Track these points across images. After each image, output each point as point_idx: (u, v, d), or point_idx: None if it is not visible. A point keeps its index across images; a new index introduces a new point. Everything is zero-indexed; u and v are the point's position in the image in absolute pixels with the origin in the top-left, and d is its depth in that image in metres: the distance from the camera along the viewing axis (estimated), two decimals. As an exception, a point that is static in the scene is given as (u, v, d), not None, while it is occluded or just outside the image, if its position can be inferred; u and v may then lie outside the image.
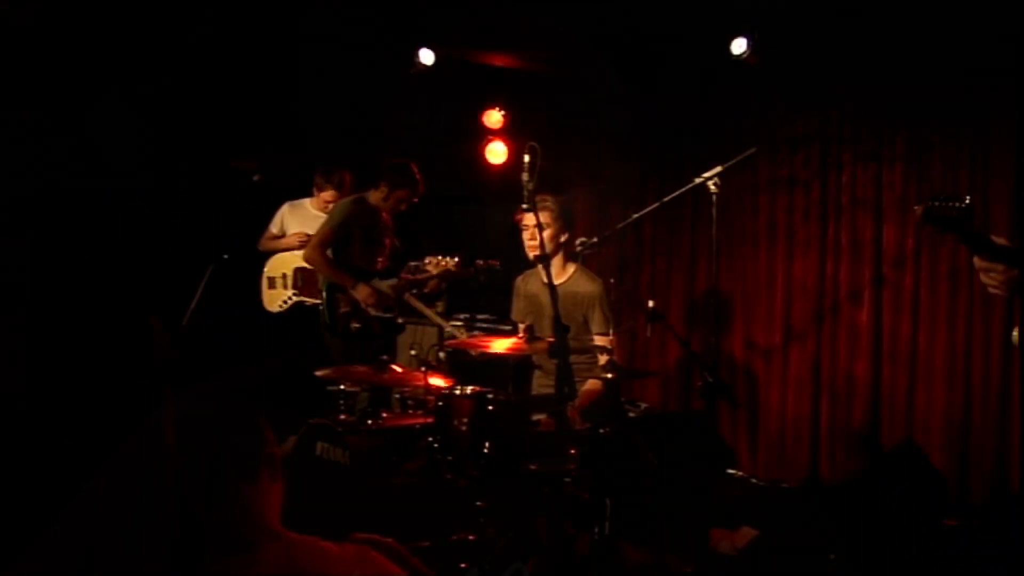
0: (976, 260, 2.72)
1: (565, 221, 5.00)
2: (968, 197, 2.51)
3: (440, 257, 5.79)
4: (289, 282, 6.26)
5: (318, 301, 6.05)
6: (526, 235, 4.87)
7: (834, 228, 5.91)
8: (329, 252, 5.75)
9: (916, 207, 2.55)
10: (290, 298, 6.24)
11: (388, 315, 5.79)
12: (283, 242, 6.35)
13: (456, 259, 5.78)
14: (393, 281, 5.80)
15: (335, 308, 5.77)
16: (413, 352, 5.56)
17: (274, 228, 6.42)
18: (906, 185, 5.60)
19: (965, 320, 5.32)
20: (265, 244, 6.40)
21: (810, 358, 6.00)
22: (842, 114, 5.88)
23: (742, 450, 6.29)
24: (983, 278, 2.74)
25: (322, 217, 6.19)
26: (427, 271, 5.81)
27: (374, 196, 5.85)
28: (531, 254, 4.90)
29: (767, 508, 5.17)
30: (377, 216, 5.88)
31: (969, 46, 5.00)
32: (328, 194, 6.28)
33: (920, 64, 5.35)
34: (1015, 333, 2.91)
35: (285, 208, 6.43)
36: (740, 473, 6.17)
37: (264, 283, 6.37)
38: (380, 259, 5.91)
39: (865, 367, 5.74)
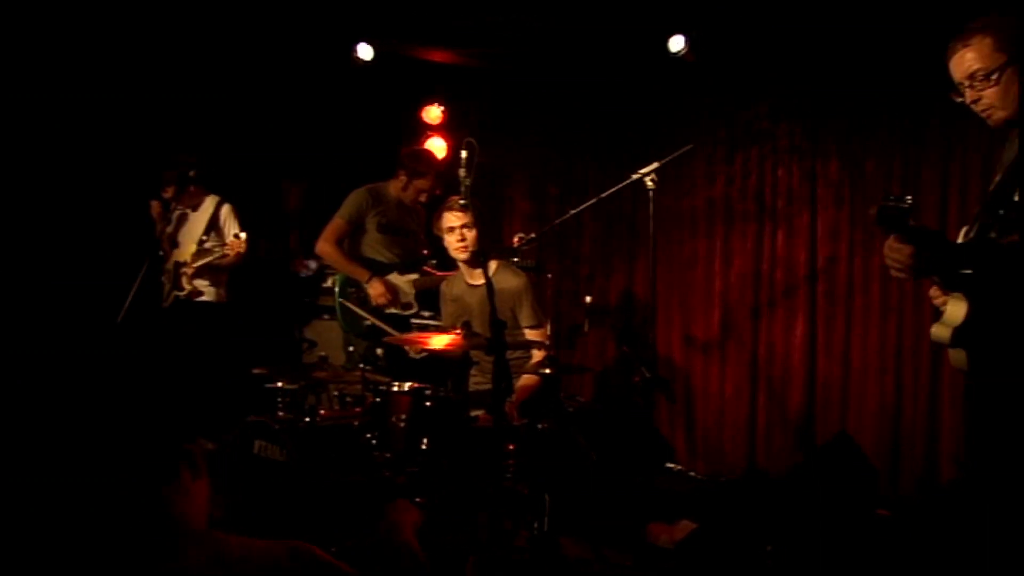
0: (888, 242, 2.67)
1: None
2: (910, 197, 2.51)
3: (235, 237, 5.86)
4: (171, 277, 6.17)
5: (182, 293, 6.03)
6: (453, 238, 4.76)
7: (771, 223, 5.98)
8: (344, 244, 5.67)
9: (870, 209, 2.53)
10: (169, 293, 6.16)
11: (406, 312, 5.71)
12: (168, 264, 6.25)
13: (245, 235, 5.80)
14: (414, 276, 5.74)
15: (347, 306, 5.68)
16: (351, 349, 5.53)
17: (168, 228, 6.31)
18: (840, 180, 5.68)
19: (897, 315, 5.41)
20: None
21: (747, 353, 6.07)
22: (778, 109, 5.94)
23: (680, 444, 6.34)
24: (888, 261, 2.72)
25: (195, 216, 6.21)
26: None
27: (394, 186, 5.78)
28: (461, 256, 4.81)
29: (705, 501, 5.22)
30: (401, 206, 5.80)
31: (904, 37, 5.05)
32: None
33: (855, 57, 5.41)
34: (933, 330, 2.92)
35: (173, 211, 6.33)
36: (678, 467, 6.25)
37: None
38: (400, 251, 5.80)
39: (801, 361, 5.82)
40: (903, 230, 2.55)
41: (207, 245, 6.08)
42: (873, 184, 5.51)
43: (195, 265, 6.00)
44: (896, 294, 5.40)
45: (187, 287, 6.02)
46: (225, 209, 6.19)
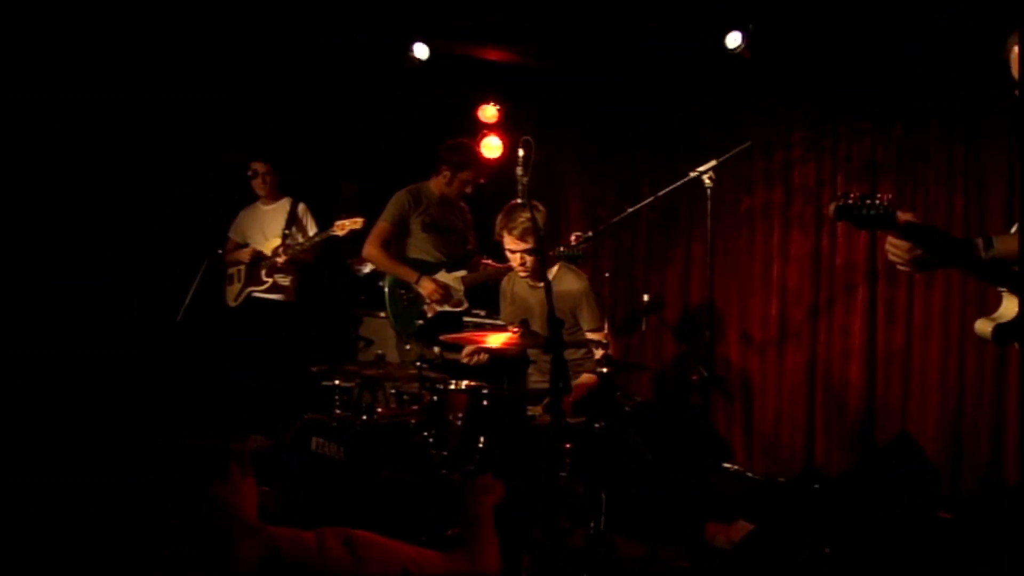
0: (888, 238, 2.86)
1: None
2: (889, 195, 2.60)
3: (347, 219, 5.84)
4: (242, 275, 6.26)
5: (262, 287, 6.13)
6: (514, 261, 4.74)
7: (829, 222, 5.89)
8: (391, 247, 5.69)
9: (829, 205, 2.62)
10: (242, 291, 6.24)
11: (457, 309, 5.70)
12: (238, 255, 6.32)
13: (363, 219, 5.79)
14: (462, 273, 5.73)
15: (398, 307, 5.70)
16: (408, 347, 5.56)
17: (233, 235, 6.43)
18: (901, 178, 5.59)
19: (959, 315, 5.31)
20: (227, 256, 6.34)
21: (805, 352, 6.00)
22: (836, 105, 5.87)
23: (737, 444, 6.29)
24: (889, 255, 2.88)
25: (269, 212, 6.29)
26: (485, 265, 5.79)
27: (436, 183, 5.78)
28: (522, 274, 4.84)
29: (762, 502, 5.18)
30: (444, 204, 5.81)
31: (962, 29, 4.96)
32: (258, 188, 6.32)
33: (914, 50, 5.32)
34: (977, 325, 2.94)
35: (241, 213, 6.46)
36: (735, 467, 6.20)
37: (226, 279, 6.38)
38: (447, 249, 5.80)
39: (859, 360, 5.73)
40: (882, 227, 2.67)
41: (290, 240, 6.17)
42: (935, 180, 5.43)
43: (284, 257, 6.10)
44: (959, 294, 5.30)
45: (267, 280, 6.11)
46: (301, 207, 6.32)
